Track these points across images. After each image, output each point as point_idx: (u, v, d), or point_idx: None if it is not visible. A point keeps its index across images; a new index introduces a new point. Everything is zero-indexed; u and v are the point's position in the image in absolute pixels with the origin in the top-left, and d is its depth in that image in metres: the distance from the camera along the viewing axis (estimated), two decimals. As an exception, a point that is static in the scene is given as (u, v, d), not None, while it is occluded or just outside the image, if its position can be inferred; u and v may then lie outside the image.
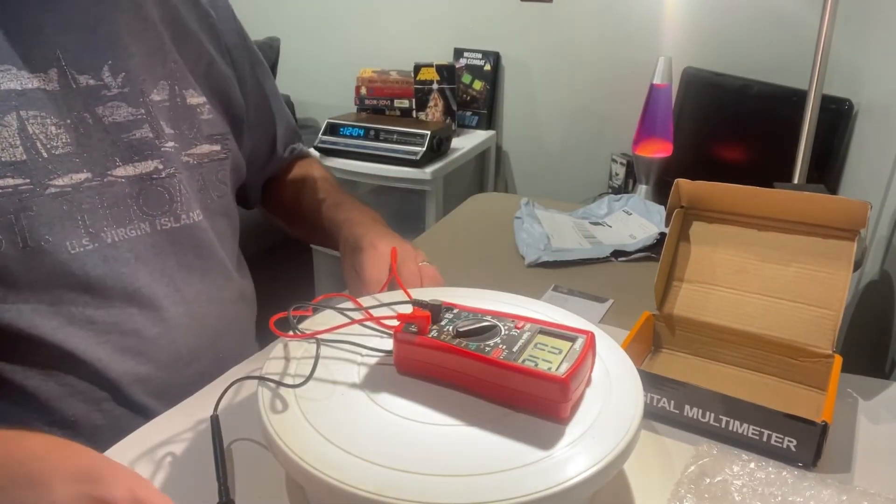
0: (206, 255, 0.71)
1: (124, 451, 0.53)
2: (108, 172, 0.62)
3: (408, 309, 0.51)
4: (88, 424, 0.62)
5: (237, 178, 0.78)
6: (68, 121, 0.59)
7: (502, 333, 0.48)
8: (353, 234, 0.72)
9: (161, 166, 0.65)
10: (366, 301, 0.58)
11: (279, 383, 0.48)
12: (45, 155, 0.57)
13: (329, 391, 0.48)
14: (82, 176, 0.60)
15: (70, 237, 0.59)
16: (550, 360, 0.45)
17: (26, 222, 0.56)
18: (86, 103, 0.60)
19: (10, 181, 0.55)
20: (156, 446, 0.54)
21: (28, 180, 0.56)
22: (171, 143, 0.67)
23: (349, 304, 0.58)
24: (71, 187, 0.59)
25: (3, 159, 0.55)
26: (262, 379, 0.49)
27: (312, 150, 0.92)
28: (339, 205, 0.82)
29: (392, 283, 0.64)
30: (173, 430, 0.56)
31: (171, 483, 0.50)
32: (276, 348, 0.53)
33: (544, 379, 0.44)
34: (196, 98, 0.70)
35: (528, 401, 0.45)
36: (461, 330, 0.49)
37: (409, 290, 0.61)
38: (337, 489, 0.39)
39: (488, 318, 0.50)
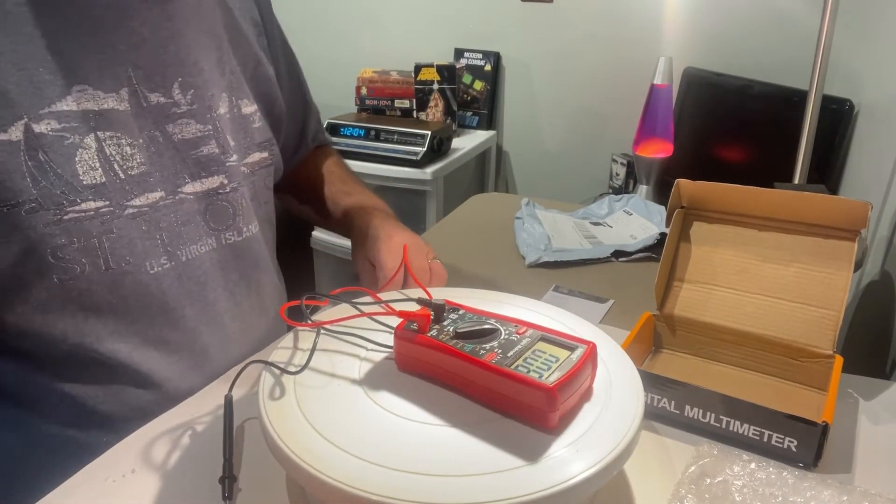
0: (261, 266, 0.72)
1: (148, 433, 0.55)
2: (179, 190, 0.62)
3: (413, 306, 0.51)
4: None
5: (276, 178, 0.78)
6: (140, 140, 0.59)
7: (501, 338, 0.48)
8: (369, 223, 0.72)
9: (226, 181, 0.66)
10: (371, 298, 0.59)
11: (281, 370, 0.49)
12: (122, 176, 0.57)
13: (328, 384, 0.49)
14: (157, 195, 0.60)
15: (150, 257, 0.59)
16: (544, 368, 0.45)
17: (108, 244, 0.56)
18: (156, 121, 0.60)
19: (92, 204, 0.55)
20: (176, 427, 0.56)
21: (108, 202, 0.56)
22: (234, 157, 0.67)
23: (365, 298, 0.58)
24: (148, 207, 0.59)
25: (84, 182, 0.54)
26: (265, 363, 0.50)
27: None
28: (352, 193, 0.82)
29: (403, 277, 0.65)
30: (196, 412, 0.58)
31: (185, 459, 0.52)
32: (286, 338, 0.54)
33: (532, 386, 0.43)
34: (249, 106, 0.70)
35: (517, 408, 0.45)
36: (460, 331, 0.49)
37: (420, 283, 0.61)
38: (328, 485, 0.39)
39: (491, 321, 0.50)
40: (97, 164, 0.55)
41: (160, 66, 0.60)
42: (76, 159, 0.54)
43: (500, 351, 0.46)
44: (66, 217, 0.53)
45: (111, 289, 0.57)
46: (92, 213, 0.55)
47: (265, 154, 0.72)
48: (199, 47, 0.64)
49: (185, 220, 0.62)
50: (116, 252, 0.57)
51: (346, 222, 0.78)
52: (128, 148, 0.57)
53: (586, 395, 0.47)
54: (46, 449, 0.60)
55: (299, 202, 0.91)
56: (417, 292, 0.61)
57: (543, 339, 0.49)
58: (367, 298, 0.58)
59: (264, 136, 0.72)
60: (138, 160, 0.58)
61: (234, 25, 0.69)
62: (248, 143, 0.70)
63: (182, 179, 0.62)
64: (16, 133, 0.51)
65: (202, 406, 0.59)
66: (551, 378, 0.43)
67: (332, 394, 0.48)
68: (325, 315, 0.58)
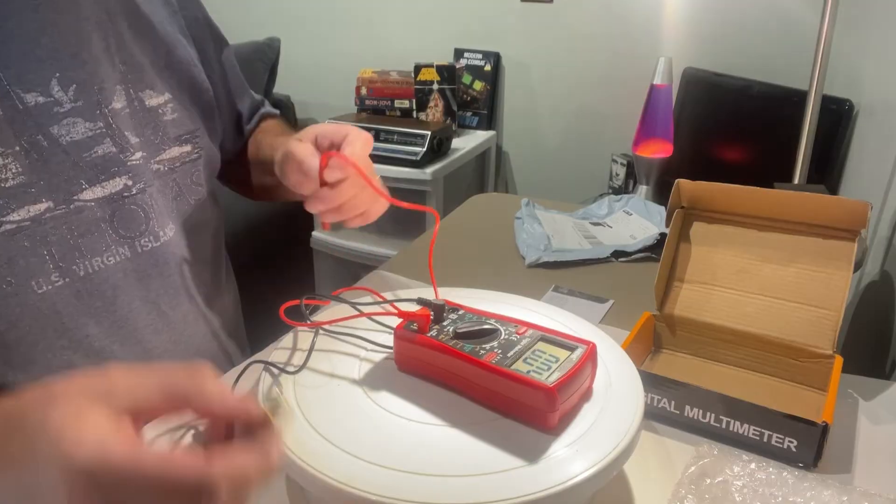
0: (195, 270, 0.66)
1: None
2: (75, 197, 0.55)
3: (413, 307, 0.51)
4: None
5: (211, 171, 0.72)
6: (17, 148, 0.52)
7: (501, 338, 0.48)
8: (283, 143, 0.64)
9: (130, 182, 0.60)
10: (372, 298, 0.59)
11: (280, 370, 0.49)
12: None
13: (328, 384, 0.49)
14: (42, 206, 0.53)
15: (35, 275, 0.53)
16: (544, 368, 0.45)
17: None
18: (38, 124, 0.53)
19: None
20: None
21: None
22: (138, 154, 0.60)
23: (365, 298, 0.58)
24: (30, 220, 0.53)
25: None
26: (265, 364, 0.50)
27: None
28: (280, 136, 0.74)
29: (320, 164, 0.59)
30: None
31: None
32: (286, 338, 0.54)
33: (532, 387, 0.43)
34: (155, 98, 0.63)
35: (517, 408, 0.45)
36: (460, 331, 0.49)
37: (361, 170, 0.56)
38: (328, 485, 0.39)
39: (491, 321, 0.50)
40: None
41: (33, 62, 0.53)
42: None
43: (499, 351, 0.46)
44: None
45: None
46: None
47: (187, 147, 0.66)
48: (79, 37, 0.57)
49: (84, 230, 0.56)
50: None
51: (273, 161, 0.67)
52: (0, 158, 0.51)
53: (586, 395, 0.47)
54: None
55: (247, 186, 0.82)
56: (417, 293, 0.61)
57: (543, 339, 0.49)
58: (367, 298, 0.58)
59: (183, 128, 0.66)
60: (13, 170, 0.52)
61: (132, 10, 0.62)
62: (159, 139, 0.63)
63: (77, 186, 0.56)
64: None
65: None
66: (551, 378, 0.43)
67: (332, 394, 0.48)
68: (324, 315, 0.58)
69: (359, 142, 0.56)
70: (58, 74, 0.55)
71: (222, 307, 0.72)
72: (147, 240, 0.61)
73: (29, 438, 0.33)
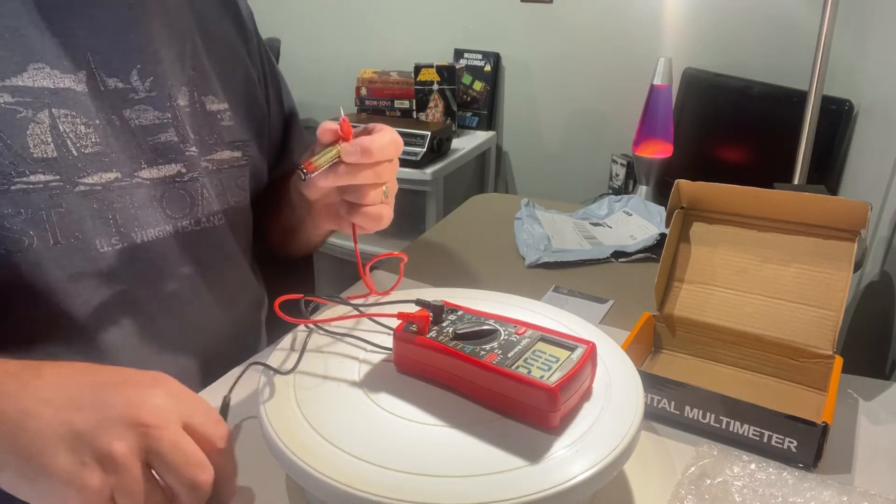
0: (226, 260, 0.71)
1: None
2: (136, 174, 0.62)
3: (412, 308, 0.51)
4: None
5: (257, 183, 0.78)
6: (97, 121, 0.59)
7: (501, 338, 0.48)
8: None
9: (184, 170, 0.66)
10: (372, 299, 0.59)
11: (275, 370, 0.49)
12: (74, 153, 0.57)
13: (328, 384, 0.49)
14: (111, 175, 0.60)
15: (100, 235, 0.59)
16: (545, 368, 0.45)
17: (56, 219, 0.56)
18: (114, 105, 0.61)
19: (42, 177, 0.55)
20: None
21: (58, 177, 0.56)
22: (193, 148, 0.67)
23: (371, 300, 0.58)
24: (101, 186, 0.59)
25: (35, 155, 0.55)
26: (264, 365, 0.50)
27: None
28: None
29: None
30: None
31: None
32: (285, 339, 0.55)
33: (534, 387, 0.43)
34: (216, 104, 0.70)
35: (518, 408, 0.45)
36: (460, 332, 0.49)
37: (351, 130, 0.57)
38: (328, 485, 0.39)
39: (490, 321, 0.50)
40: (49, 139, 0.56)
41: (119, 52, 0.61)
42: (27, 132, 0.55)
43: (500, 352, 0.46)
44: (12, 188, 0.54)
45: (62, 265, 0.57)
46: (41, 185, 0.55)
47: (237, 154, 0.72)
48: (160, 39, 0.64)
49: (141, 203, 0.62)
50: (65, 227, 0.57)
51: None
52: (82, 127, 0.58)
53: (586, 394, 0.47)
54: None
55: (272, 223, 0.85)
56: (415, 293, 0.61)
57: (543, 339, 0.49)
58: (371, 300, 0.58)
59: (236, 136, 0.72)
60: (93, 140, 0.59)
61: (207, 27, 0.71)
62: (214, 140, 0.70)
63: (138, 164, 0.62)
64: None
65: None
66: (552, 378, 0.43)
67: (332, 394, 0.48)
68: (323, 316, 0.58)
69: (387, 136, 0.58)
70: (139, 66, 0.62)
71: (246, 300, 0.76)
72: (187, 222, 0.67)
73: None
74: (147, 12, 0.63)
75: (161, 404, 0.41)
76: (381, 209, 0.61)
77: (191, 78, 0.68)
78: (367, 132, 0.58)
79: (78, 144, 0.58)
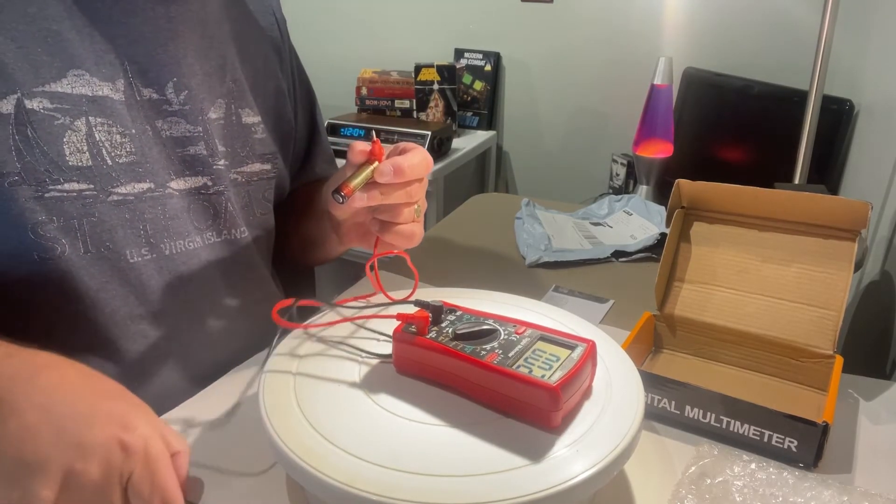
0: (249, 272, 0.71)
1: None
2: (167, 184, 0.62)
3: (410, 309, 0.51)
4: None
5: (280, 194, 0.78)
6: (133, 131, 0.59)
7: (501, 338, 0.48)
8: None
9: (210, 182, 0.66)
10: (374, 300, 0.59)
11: (279, 372, 0.48)
12: (109, 162, 0.57)
13: (328, 385, 0.49)
14: (144, 186, 0.60)
15: (130, 246, 0.59)
16: (546, 367, 0.45)
17: (88, 227, 0.57)
18: (147, 116, 0.61)
19: (76, 185, 0.56)
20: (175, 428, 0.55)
21: (92, 186, 0.56)
22: (222, 161, 0.67)
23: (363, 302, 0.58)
24: (133, 196, 0.59)
25: (70, 163, 0.55)
26: (263, 366, 0.49)
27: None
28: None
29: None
30: (196, 413, 0.58)
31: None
32: (285, 342, 0.55)
33: (535, 386, 0.43)
34: (251, 117, 0.71)
35: (520, 408, 0.45)
36: (459, 332, 0.49)
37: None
38: (328, 485, 0.39)
39: (489, 321, 0.50)
40: (85, 148, 0.56)
41: (156, 64, 0.61)
42: (64, 140, 0.55)
43: (500, 352, 0.46)
44: (47, 195, 0.54)
45: (91, 273, 0.57)
46: (74, 194, 0.56)
47: (267, 166, 0.73)
48: (198, 52, 0.64)
49: (172, 214, 0.62)
50: (96, 236, 0.57)
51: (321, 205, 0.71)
52: (118, 136, 0.58)
53: (586, 393, 0.47)
54: None
55: (293, 233, 0.87)
56: (415, 293, 0.61)
57: (543, 338, 0.49)
58: (369, 302, 0.58)
59: (267, 148, 0.73)
60: (128, 149, 0.59)
61: (244, 39, 0.71)
62: (246, 153, 0.70)
63: (169, 175, 0.63)
64: (7, 106, 0.52)
65: (202, 407, 0.59)
66: (554, 377, 0.43)
67: (332, 394, 0.48)
68: (322, 319, 0.58)
69: (418, 155, 0.58)
70: (175, 79, 0.62)
71: (268, 311, 0.75)
72: (211, 234, 0.67)
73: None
74: (186, 25, 0.63)
75: (147, 432, 0.44)
76: (413, 227, 0.61)
77: (230, 90, 0.68)
78: (398, 152, 0.59)
79: (113, 154, 0.58)
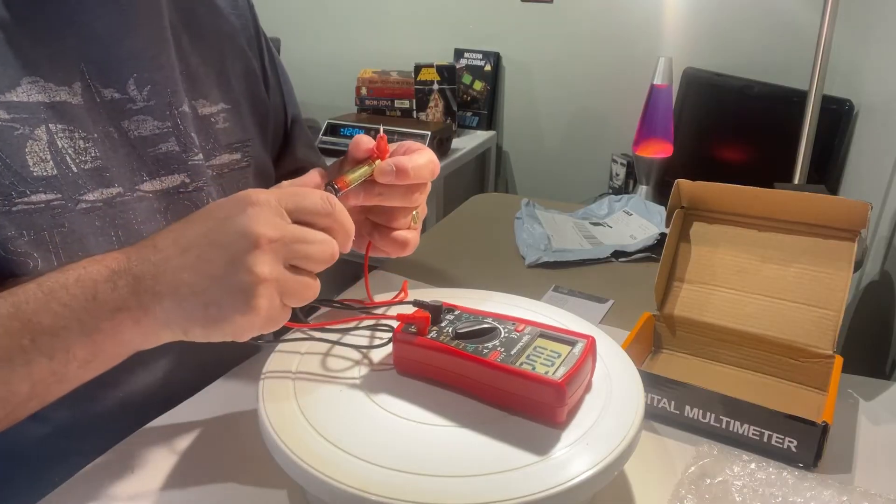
0: None
1: (147, 434, 0.56)
2: (137, 187, 0.60)
3: (409, 309, 0.51)
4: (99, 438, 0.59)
5: (264, 181, 0.74)
6: (95, 135, 0.57)
7: (501, 336, 0.48)
8: None
9: (188, 180, 0.63)
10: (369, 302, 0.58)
11: (278, 371, 0.48)
12: (74, 169, 0.55)
13: (328, 385, 0.49)
14: (113, 191, 0.58)
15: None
16: (548, 363, 0.45)
17: (59, 239, 0.54)
18: (111, 117, 0.58)
19: (43, 196, 0.53)
20: (176, 428, 0.56)
21: (59, 195, 0.54)
22: (199, 156, 0.64)
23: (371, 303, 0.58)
24: (102, 202, 0.57)
25: (35, 174, 0.53)
26: (263, 368, 0.49)
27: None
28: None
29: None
30: (196, 412, 0.58)
31: (185, 459, 0.51)
32: (285, 339, 0.55)
33: (541, 383, 0.43)
34: (208, 107, 0.67)
35: (525, 404, 0.45)
36: (460, 331, 0.49)
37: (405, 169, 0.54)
38: (328, 485, 0.39)
39: (488, 320, 0.50)
40: (48, 156, 0.53)
41: (114, 60, 0.58)
42: (26, 150, 0.53)
43: (503, 349, 0.47)
44: (14, 209, 0.52)
45: None
46: (42, 205, 0.53)
47: (236, 156, 0.69)
48: (158, 43, 0.61)
49: (144, 218, 0.60)
50: (68, 247, 0.54)
51: None
52: (81, 141, 0.55)
53: (587, 388, 0.48)
54: (36, 455, 0.58)
55: None
56: (415, 293, 0.61)
57: (542, 335, 0.49)
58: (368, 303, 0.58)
59: (233, 137, 0.69)
60: (92, 154, 0.56)
61: (196, 25, 0.66)
62: (211, 145, 0.67)
63: (140, 177, 0.60)
64: None
65: (202, 407, 0.59)
66: (558, 373, 0.44)
67: (333, 395, 0.48)
68: (322, 319, 0.58)
69: (424, 157, 0.56)
70: (135, 75, 0.59)
71: None
72: None
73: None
74: (142, 17, 0.59)
75: (266, 218, 0.44)
76: (408, 234, 0.58)
77: (185, 81, 0.64)
78: (403, 151, 0.56)
79: (77, 160, 0.55)
